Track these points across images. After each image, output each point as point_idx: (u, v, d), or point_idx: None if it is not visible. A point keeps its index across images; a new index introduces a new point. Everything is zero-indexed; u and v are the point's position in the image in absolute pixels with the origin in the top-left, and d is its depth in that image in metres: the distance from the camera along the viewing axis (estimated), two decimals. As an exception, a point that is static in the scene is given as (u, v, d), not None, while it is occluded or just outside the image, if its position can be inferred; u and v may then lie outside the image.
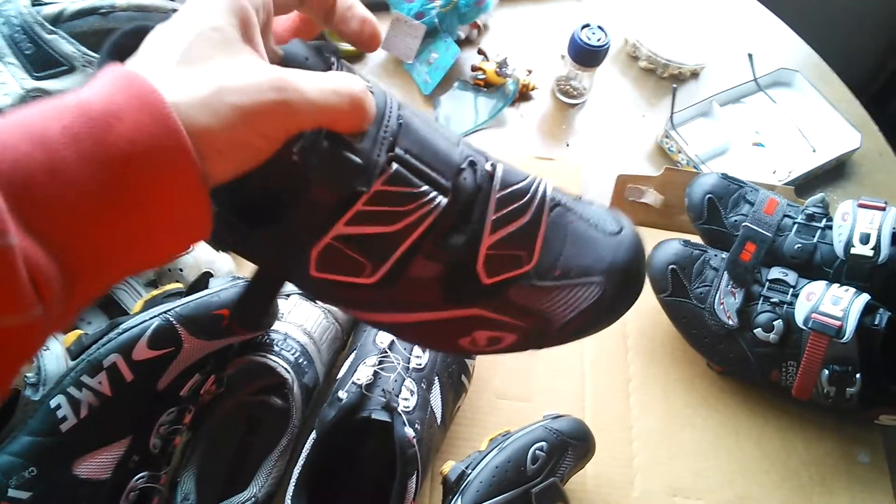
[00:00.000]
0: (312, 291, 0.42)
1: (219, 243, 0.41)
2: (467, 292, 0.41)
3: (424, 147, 0.40)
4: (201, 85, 0.33)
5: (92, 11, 0.70)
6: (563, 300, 0.42)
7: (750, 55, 1.10)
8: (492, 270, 0.41)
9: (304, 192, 0.37)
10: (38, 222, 0.29)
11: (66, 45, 0.68)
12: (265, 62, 0.36)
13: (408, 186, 0.38)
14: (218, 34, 0.34)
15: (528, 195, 0.42)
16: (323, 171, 0.36)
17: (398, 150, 0.39)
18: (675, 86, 1.03)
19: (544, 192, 0.42)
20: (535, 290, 0.42)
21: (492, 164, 0.42)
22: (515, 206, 0.41)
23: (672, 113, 1.00)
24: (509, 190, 0.41)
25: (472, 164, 0.42)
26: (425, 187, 0.39)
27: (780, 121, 1.05)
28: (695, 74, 1.12)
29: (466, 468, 0.64)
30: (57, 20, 0.69)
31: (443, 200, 0.39)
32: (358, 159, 0.37)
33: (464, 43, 1.08)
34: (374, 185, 0.37)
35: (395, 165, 0.38)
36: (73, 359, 0.56)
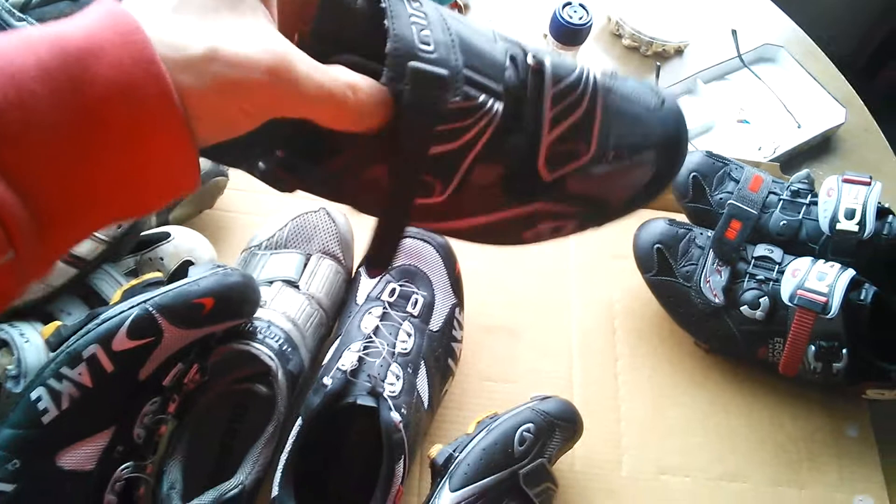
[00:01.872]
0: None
1: (281, 185, 0.40)
2: (529, 190, 0.42)
3: (476, 54, 0.39)
4: (193, 41, 0.31)
5: (63, -3, 0.69)
6: (619, 183, 0.43)
7: (734, 31, 1.09)
8: (553, 167, 0.41)
9: (398, 121, 0.36)
10: (7, 162, 0.27)
11: (37, 32, 0.67)
12: (273, 29, 0.34)
13: (470, 100, 0.38)
14: None
15: (581, 86, 0.41)
16: (416, 96, 0.35)
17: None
18: (658, 63, 1.03)
19: (595, 80, 0.42)
20: (592, 178, 0.42)
21: (534, 58, 0.41)
22: (570, 99, 0.41)
23: (656, 91, 1.00)
24: (563, 84, 0.41)
25: (513, 59, 0.41)
26: (483, 97, 0.38)
27: (765, 97, 1.05)
28: (679, 52, 1.11)
29: (454, 451, 0.64)
30: (26, 7, 0.68)
31: (500, 108, 0.39)
32: (443, 70, 0.36)
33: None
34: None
35: None
36: (52, 350, 0.56)
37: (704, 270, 0.78)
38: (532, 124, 0.40)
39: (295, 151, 0.39)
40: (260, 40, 0.32)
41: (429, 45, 0.36)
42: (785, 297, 0.73)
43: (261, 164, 0.39)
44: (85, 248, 0.65)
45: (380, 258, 0.42)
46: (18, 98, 0.27)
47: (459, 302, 0.75)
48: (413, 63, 0.35)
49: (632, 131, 0.42)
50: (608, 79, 0.43)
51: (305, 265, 0.72)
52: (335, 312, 0.74)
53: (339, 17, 0.37)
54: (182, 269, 0.62)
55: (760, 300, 0.75)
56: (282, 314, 0.67)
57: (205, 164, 0.50)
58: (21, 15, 0.67)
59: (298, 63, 0.33)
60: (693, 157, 0.84)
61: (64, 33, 0.29)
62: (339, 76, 0.35)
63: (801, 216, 0.79)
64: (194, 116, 0.31)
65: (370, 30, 0.37)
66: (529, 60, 0.41)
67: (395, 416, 0.61)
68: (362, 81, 0.35)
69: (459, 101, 0.37)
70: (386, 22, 0.36)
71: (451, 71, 0.37)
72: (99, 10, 0.30)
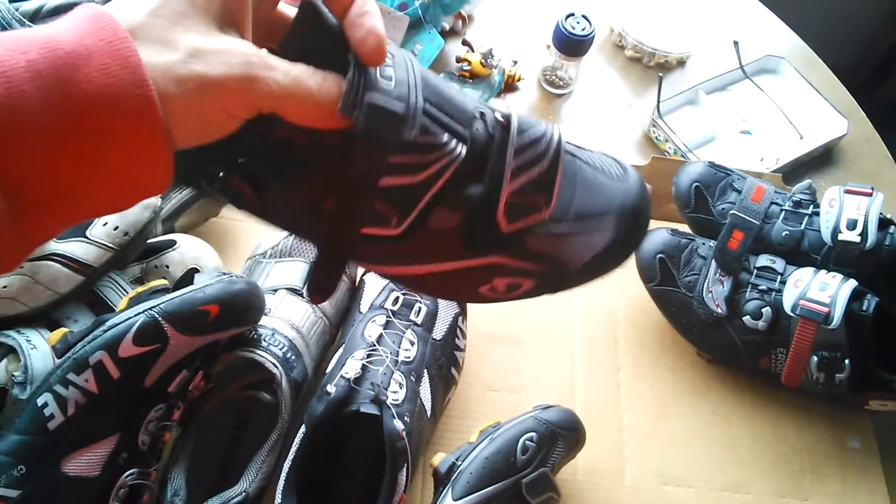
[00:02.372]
0: None
1: (236, 199, 0.40)
2: (487, 240, 0.42)
3: (443, 98, 0.40)
4: (172, 44, 0.32)
5: (71, 7, 0.69)
6: (578, 244, 0.43)
7: (735, 43, 1.10)
8: (512, 217, 0.41)
9: (350, 152, 0.36)
10: None
11: (46, 42, 0.68)
12: (243, 39, 0.35)
13: (431, 136, 0.39)
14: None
15: (545, 142, 0.42)
16: (369, 127, 0.36)
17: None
18: (661, 74, 1.03)
19: (559, 138, 0.43)
20: (552, 237, 0.43)
21: (503, 114, 0.42)
22: (533, 153, 0.42)
23: (658, 102, 1.00)
24: (526, 137, 0.42)
25: (482, 114, 0.42)
26: (445, 137, 0.39)
27: (767, 108, 1.05)
28: (681, 63, 1.12)
29: (457, 460, 0.64)
30: (35, 16, 0.68)
31: (463, 150, 0.40)
32: (399, 105, 0.37)
33: (448, 34, 1.08)
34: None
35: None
36: (58, 357, 0.56)
37: (707, 280, 0.78)
38: (495, 173, 0.41)
39: (257, 158, 0.39)
40: (231, 40, 0.34)
41: (389, 80, 0.37)
42: (787, 307, 0.74)
43: (221, 174, 0.40)
44: (91, 255, 0.66)
45: (322, 284, 0.42)
46: (8, 96, 0.28)
47: (462, 311, 0.75)
48: (370, 95, 0.36)
49: (593, 196, 0.44)
50: (573, 146, 0.45)
51: (309, 273, 0.72)
52: (339, 320, 0.74)
53: (308, 38, 0.38)
54: (188, 277, 0.63)
55: (763, 310, 0.75)
56: (286, 322, 0.67)
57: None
58: (31, 24, 0.68)
59: (268, 57, 0.34)
60: (695, 167, 0.85)
61: (54, 36, 0.30)
62: (306, 70, 0.35)
63: (803, 227, 0.80)
64: (174, 120, 0.32)
65: (335, 55, 0.37)
66: (498, 116, 0.42)
67: (399, 424, 0.61)
68: (328, 77, 0.36)
69: (417, 135, 0.38)
70: (350, 56, 0.37)
71: (408, 108, 0.37)
72: (86, 14, 0.31)
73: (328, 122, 0.36)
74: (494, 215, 0.41)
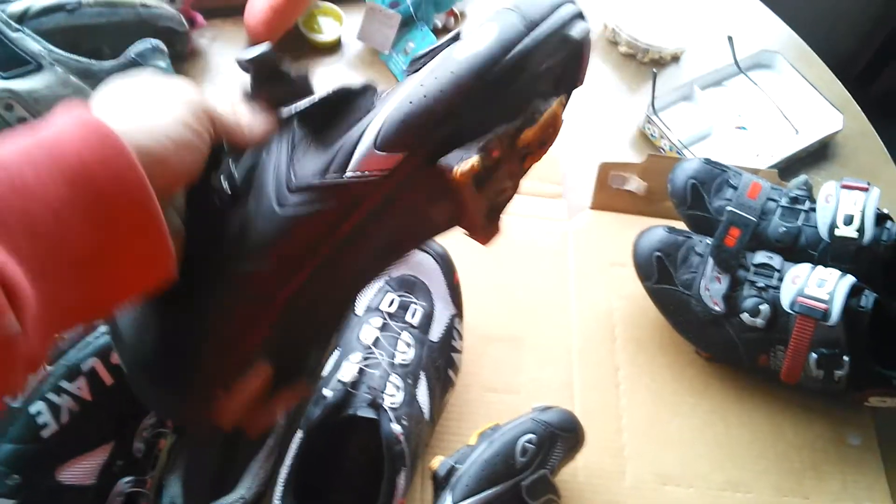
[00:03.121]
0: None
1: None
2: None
3: None
4: (154, 119, 0.38)
5: (58, 8, 0.69)
6: None
7: (730, 38, 1.10)
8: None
9: None
10: (6, 235, 0.30)
11: (32, 44, 0.67)
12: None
13: None
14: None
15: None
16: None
17: None
18: (655, 70, 1.02)
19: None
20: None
21: None
22: None
23: (653, 98, 1.00)
24: None
25: None
26: None
27: (762, 103, 1.05)
28: (675, 58, 1.11)
29: (455, 463, 0.64)
30: (22, 18, 0.68)
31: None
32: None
33: (441, 32, 1.07)
34: None
35: None
36: (50, 364, 0.55)
37: (704, 278, 0.78)
38: None
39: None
40: (188, 95, 0.40)
41: None
42: (785, 304, 0.73)
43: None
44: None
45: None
46: (9, 178, 0.31)
47: (459, 312, 0.74)
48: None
49: None
50: None
51: (305, 276, 0.71)
52: (335, 324, 0.73)
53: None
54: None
55: (760, 307, 0.74)
56: (281, 326, 0.66)
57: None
58: (17, 26, 0.67)
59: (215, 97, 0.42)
60: (691, 164, 0.84)
61: (59, 148, 0.33)
62: (238, 111, 0.44)
63: (800, 223, 0.79)
64: (172, 163, 0.37)
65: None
66: None
67: (396, 427, 0.60)
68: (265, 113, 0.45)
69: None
70: None
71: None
72: (60, 109, 0.35)
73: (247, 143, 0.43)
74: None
